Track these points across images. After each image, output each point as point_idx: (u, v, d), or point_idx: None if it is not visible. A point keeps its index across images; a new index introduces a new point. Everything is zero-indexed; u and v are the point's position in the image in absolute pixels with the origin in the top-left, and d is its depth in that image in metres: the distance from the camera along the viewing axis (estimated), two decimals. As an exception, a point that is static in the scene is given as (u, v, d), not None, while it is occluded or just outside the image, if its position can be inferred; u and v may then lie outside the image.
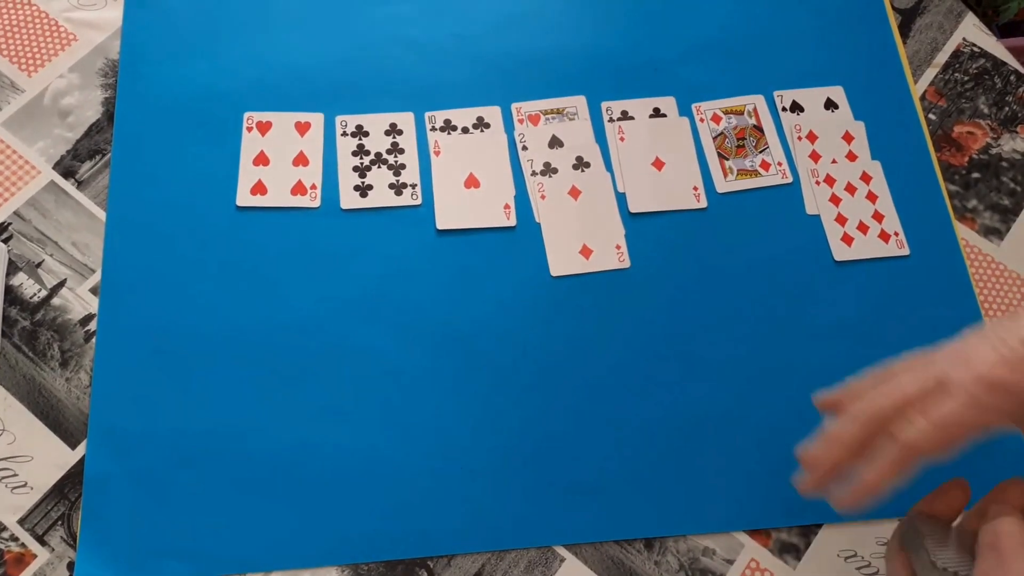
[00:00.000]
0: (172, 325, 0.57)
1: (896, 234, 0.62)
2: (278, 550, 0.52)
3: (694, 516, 0.55)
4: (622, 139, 0.62)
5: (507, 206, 0.61)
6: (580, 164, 0.63)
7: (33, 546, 0.52)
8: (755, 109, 0.66)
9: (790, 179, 0.64)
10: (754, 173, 0.64)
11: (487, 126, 0.64)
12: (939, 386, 0.41)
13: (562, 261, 0.60)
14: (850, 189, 0.64)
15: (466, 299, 0.59)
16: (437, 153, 0.63)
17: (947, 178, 0.66)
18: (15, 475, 0.54)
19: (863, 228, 0.63)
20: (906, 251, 0.62)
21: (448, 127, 0.64)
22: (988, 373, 0.40)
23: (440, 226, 0.60)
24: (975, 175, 0.66)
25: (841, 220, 0.63)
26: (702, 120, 0.65)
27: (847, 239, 0.62)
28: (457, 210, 0.61)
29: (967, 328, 0.60)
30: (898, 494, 0.56)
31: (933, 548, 0.41)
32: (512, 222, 0.61)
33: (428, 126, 0.64)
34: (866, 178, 0.64)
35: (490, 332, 0.58)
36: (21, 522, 0.53)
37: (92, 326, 0.57)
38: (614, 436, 0.56)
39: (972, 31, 0.71)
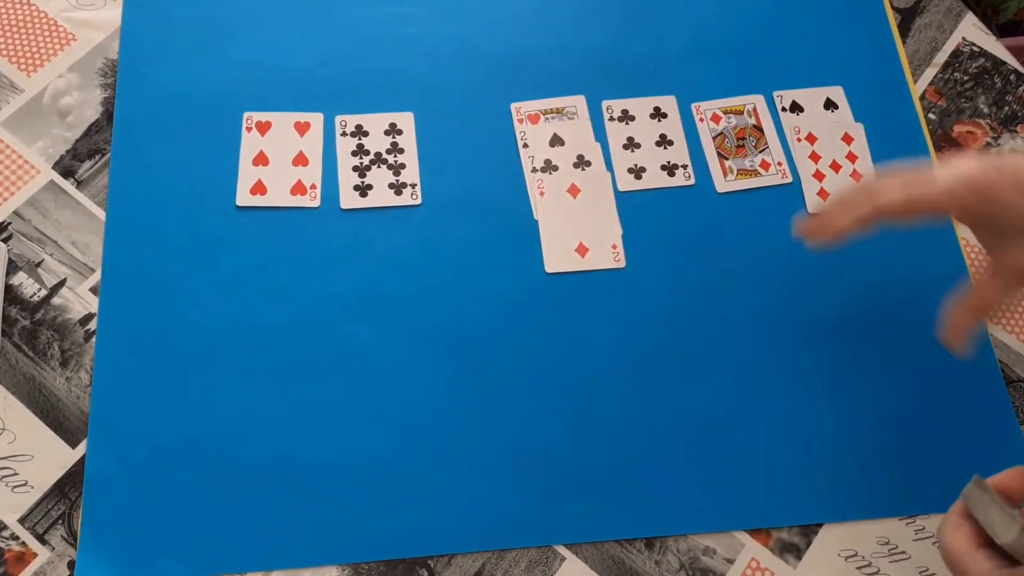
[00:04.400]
0: (172, 324, 0.57)
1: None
2: (278, 549, 0.52)
3: (694, 515, 0.55)
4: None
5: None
6: (581, 162, 0.63)
7: (34, 545, 0.52)
8: (755, 109, 0.66)
9: (790, 179, 0.64)
10: (754, 173, 0.64)
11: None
12: (925, 175, 0.48)
13: (557, 258, 0.60)
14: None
15: (465, 298, 0.59)
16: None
17: (947, 177, 0.66)
18: (15, 474, 0.54)
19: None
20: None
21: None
22: (967, 170, 0.47)
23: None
24: (975, 174, 0.66)
25: None
26: (702, 120, 0.65)
27: None
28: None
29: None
30: (900, 493, 0.57)
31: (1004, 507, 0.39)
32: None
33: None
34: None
35: (489, 331, 0.58)
36: (22, 521, 0.53)
37: (92, 325, 0.57)
38: (614, 435, 0.56)
39: (972, 30, 0.71)
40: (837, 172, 0.64)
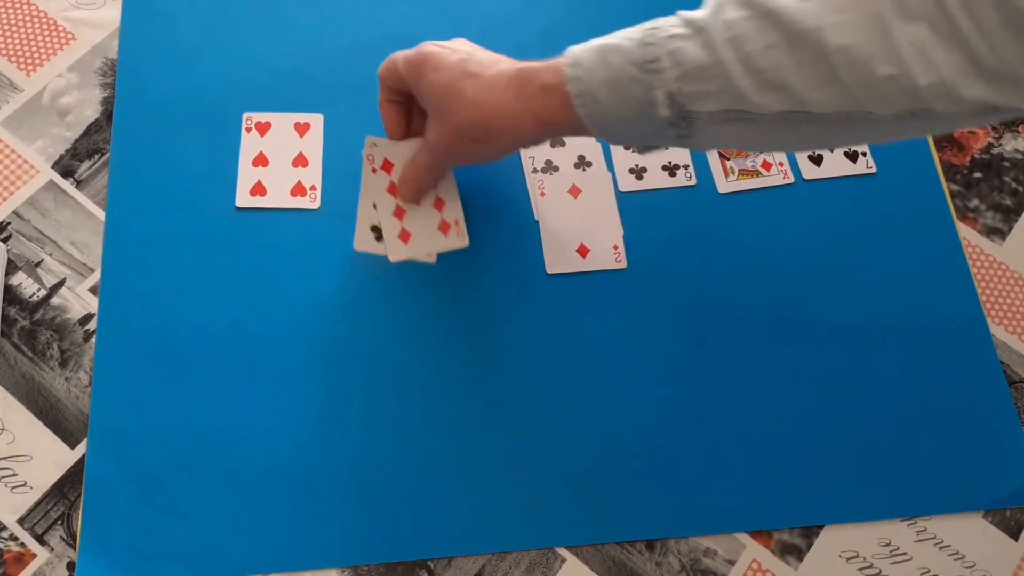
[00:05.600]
0: (171, 326, 0.57)
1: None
2: (278, 552, 0.52)
3: (695, 517, 0.54)
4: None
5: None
6: (582, 163, 0.63)
7: (33, 545, 0.52)
8: (756, 108, 0.66)
9: (791, 179, 0.64)
10: (755, 173, 0.64)
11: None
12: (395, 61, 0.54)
13: (558, 259, 0.60)
14: None
15: (465, 299, 0.59)
16: None
17: (949, 178, 0.66)
18: (15, 475, 0.54)
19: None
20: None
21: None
22: (407, 54, 0.52)
23: None
24: (977, 175, 0.66)
25: None
26: (703, 119, 0.65)
27: None
28: None
29: (967, 327, 0.61)
30: (901, 494, 0.56)
31: None
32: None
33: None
34: None
35: (489, 332, 0.58)
36: (20, 522, 0.53)
37: (91, 325, 0.57)
38: (615, 436, 0.56)
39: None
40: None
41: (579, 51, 0.47)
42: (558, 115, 0.47)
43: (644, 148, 0.49)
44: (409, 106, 0.56)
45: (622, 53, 0.44)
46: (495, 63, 0.50)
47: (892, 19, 0.39)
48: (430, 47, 0.51)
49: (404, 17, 0.67)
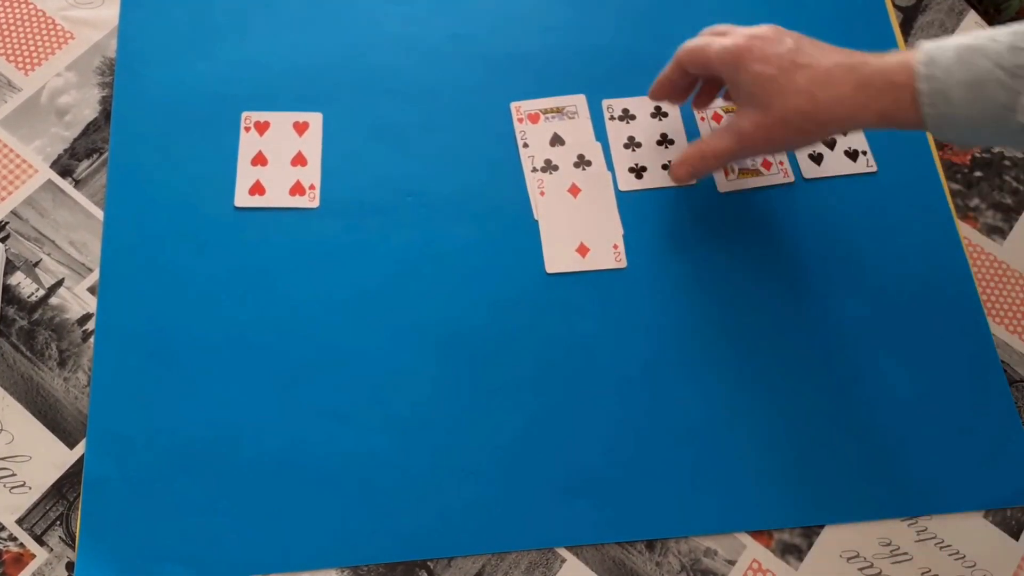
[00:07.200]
0: (170, 325, 0.57)
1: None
2: (278, 553, 0.52)
3: (695, 517, 0.54)
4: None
5: None
6: (581, 162, 0.63)
7: (32, 546, 0.52)
8: (756, 107, 0.66)
9: (792, 178, 0.63)
10: (755, 172, 0.64)
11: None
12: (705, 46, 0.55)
13: (558, 258, 0.60)
14: None
15: (465, 298, 0.59)
16: None
17: (949, 177, 0.66)
18: (13, 475, 0.53)
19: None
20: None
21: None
22: (730, 43, 0.54)
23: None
24: (977, 174, 0.66)
25: None
26: (703, 119, 0.65)
27: None
28: None
29: (968, 326, 0.61)
30: (901, 494, 0.56)
31: None
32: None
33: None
34: None
35: (489, 331, 0.58)
36: (20, 522, 0.52)
37: (90, 325, 0.57)
38: (615, 436, 0.56)
39: (973, 29, 0.71)
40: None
41: (933, 49, 0.46)
42: (900, 112, 0.47)
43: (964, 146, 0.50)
44: (682, 87, 0.59)
45: (988, 56, 0.43)
46: (825, 54, 0.51)
47: None
48: (749, 40, 0.52)
49: (404, 16, 0.67)
